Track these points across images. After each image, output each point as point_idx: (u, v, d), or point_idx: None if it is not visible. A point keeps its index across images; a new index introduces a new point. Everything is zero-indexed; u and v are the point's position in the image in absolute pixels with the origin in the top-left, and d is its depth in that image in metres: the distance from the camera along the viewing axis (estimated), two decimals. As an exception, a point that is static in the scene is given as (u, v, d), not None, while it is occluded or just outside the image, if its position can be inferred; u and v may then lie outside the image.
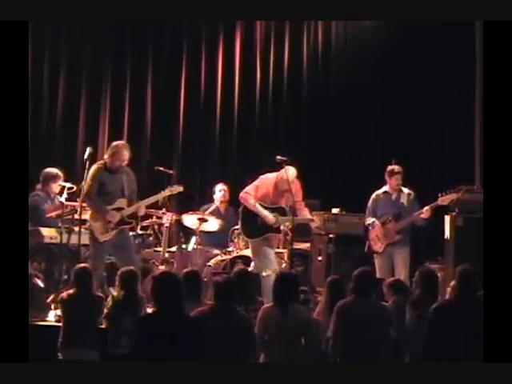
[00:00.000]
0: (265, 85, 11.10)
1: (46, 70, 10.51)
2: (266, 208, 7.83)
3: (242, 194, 7.98)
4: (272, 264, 7.72)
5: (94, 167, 7.61)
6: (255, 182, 7.95)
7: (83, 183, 7.63)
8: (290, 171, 7.76)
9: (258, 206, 7.80)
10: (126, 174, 7.68)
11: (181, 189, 8.02)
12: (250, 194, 7.86)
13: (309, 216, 7.90)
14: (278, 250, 8.73)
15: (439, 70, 10.55)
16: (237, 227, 8.58)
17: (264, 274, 7.43)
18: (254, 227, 7.82)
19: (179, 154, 10.85)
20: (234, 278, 5.99)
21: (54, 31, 10.46)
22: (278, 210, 7.81)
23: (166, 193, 7.93)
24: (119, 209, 7.56)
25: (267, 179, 7.93)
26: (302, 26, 11.20)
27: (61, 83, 10.59)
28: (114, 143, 7.79)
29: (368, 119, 10.87)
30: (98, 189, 7.50)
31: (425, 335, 5.42)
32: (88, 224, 7.56)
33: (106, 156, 7.71)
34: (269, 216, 7.74)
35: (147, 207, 7.95)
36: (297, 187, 7.88)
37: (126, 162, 7.66)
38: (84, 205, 7.62)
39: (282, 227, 7.98)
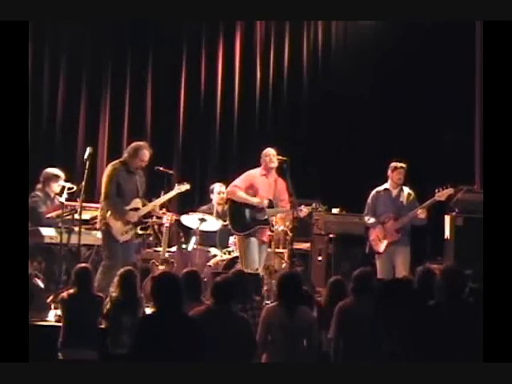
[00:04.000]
0: (265, 85, 11.12)
1: (46, 70, 10.52)
2: None
3: (228, 189, 8.04)
4: (253, 263, 7.68)
5: (110, 167, 7.58)
6: (241, 177, 7.97)
7: (83, 183, 7.64)
8: (271, 150, 7.82)
9: (244, 195, 7.81)
10: (139, 175, 7.70)
11: (188, 187, 8.13)
12: (237, 187, 7.87)
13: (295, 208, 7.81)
14: (278, 250, 8.74)
15: (439, 69, 10.56)
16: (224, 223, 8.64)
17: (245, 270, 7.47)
18: (243, 221, 7.81)
19: (179, 154, 10.86)
20: (232, 277, 5.99)
21: (54, 31, 10.46)
22: (266, 203, 7.79)
23: (175, 191, 8.03)
24: (135, 209, 7.59)
25: (251, 174, 7.95)
26: (302, 26, 11.22)
27: (61, 83, 10.59)
28: (136, 143, 7.73)
29: (368, 119, 10.88)
30: (116, 189, 7.48)
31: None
32: (101, 224, 7.51)
33: (125, 155, 7.65)
34: (256, 200, 7.75)
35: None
36: (281, 187, 7.86)
37: (146, 163, 7.66)
38: (100, 205, 7.62)
39: (276, 224, 7.99)
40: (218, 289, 5.42)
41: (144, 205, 7.67)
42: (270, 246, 8.24)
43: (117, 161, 7.67)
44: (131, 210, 7.56)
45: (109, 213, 7.48)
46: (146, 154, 7.60)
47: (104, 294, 6.32)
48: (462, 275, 5.48)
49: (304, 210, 7.81)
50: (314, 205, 7.90)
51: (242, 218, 7.80)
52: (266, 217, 7.83)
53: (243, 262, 7.78)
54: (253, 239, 7.79)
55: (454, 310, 5.27)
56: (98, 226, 7.63)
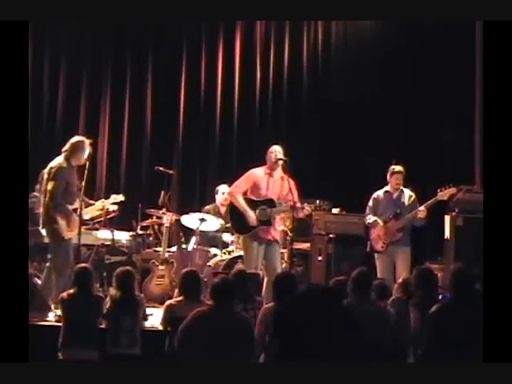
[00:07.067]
0: (265, 85, 11.12)
1: (46, 70, 10.52)
2: (255, 202, 7.74)
3: (230, 190, 7.96)
4: (250, 265, 7.57)
5: (58, 166, 7.40)
6: (244, 176, 7.87)
7: (83, 183, 7.62)
8: (276, 147, 7.77)
9: (242, 203, 7.70)
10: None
11: (122, 198, 8.04)
12: (239, 188, 7.78)
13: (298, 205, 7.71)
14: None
15: (439, 69, 10.57)
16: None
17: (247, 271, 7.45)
18: (243, 222, 7.72)
19: (179, 154, 10.86)
20: (233, 277, 5.99)
21: (54, 31, 10.47)
22: (268, 203, 7.70)
23: (110, 201, 7.98)
24: (76, 209, 7.43)
25: (253, 173, 7.82)
26: (302, 26, 11.22)
27: (61, 83, 10.60)
28: (74, 139, 7.58)
29: (368, 119, 10.88)
30: (64, 188, 7.36)
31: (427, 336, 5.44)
32: (52, 222, 7.38)
33: (66, 153, 7.48)
34: (251, 216, 7.64)
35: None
36: (290, 186, 7.76)
37: (84, 160, 7.49)
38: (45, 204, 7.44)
39: (278, 220, 7.92)
40: (216, 290, 5.41)
41: (87, 205, 7.63)
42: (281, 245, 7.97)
43: (61, 159, 7.48)
44: (75, 210, 7.42)
45: (53, 212, 7.34)
46: (86, 150, 7.48)
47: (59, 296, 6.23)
48: (471, 275, 5.50)
49: (306, 209, 7.70)
50: (317, 202, 7.80)
51: (243, 219, 7.72)
52: (268, 217, 7.72)
53: (244, 263, 7.77)
54: (254, 242, 7.70)
55: (463, 309, 5.30)
56: (41, 225, 7.47)
